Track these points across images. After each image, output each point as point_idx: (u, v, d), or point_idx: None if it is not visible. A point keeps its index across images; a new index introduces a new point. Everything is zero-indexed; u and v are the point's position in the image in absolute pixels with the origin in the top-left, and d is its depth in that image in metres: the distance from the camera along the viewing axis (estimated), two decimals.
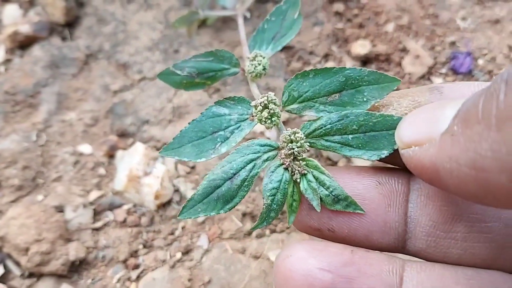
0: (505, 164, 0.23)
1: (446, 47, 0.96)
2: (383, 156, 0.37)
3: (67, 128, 0.88)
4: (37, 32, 0.99)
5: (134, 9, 1.01)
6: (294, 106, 0.41)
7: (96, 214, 0.79)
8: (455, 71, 0.92)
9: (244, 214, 0.75)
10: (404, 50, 0.93)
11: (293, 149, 0.38)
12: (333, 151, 0.38)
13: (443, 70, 0.92)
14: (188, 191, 0.78)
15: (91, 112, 0.89)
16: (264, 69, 0.48)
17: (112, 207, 0.79)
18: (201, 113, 0.41)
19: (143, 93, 0.89)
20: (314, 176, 0.38)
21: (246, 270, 0.70)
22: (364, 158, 0.37)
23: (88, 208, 0.79)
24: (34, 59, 0.95)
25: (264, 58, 0.48)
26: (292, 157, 0.38)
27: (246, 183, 0.38)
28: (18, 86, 0.91)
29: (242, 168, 0.38)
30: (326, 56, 0.90)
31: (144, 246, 0.75)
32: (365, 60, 0.90)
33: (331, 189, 0.37)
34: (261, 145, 0.39)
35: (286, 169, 0.38)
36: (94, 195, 0.80)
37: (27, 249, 0.73)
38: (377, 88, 0.38)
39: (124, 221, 0.78)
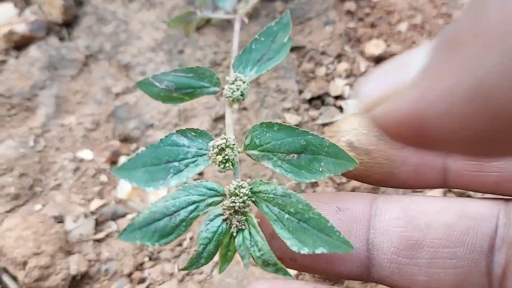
0: None
1: None
2: (302, 252, 0.35)
3: (66, 132, 0.83)
4: (34, 31, 0.94)
5: (136, 8, 0.96)
6: (255, 152, 0.40)
7: (98, 224, 0.74)
8: None
9: None
10: None
11: (235, 203, 0.38)
12: (269, 220, 0.38)
13: None
14: None
15: (92, 115, 0.84)
16: (242, 95, 0.47)
17: (115, 216, 0.75)
18: (160, 139, 0.40)
19: (146, 95, 0.84)
20: (250, 234, 0.38)
21: None
22: (287, 245, 0.36)
23: (89, 218, 0.74)
24: (31, 60, 0.90)
25: (244, 83, 0.47)
26: (233, 210, 0.38)
27: (184, 224, 0.38)
28: (14, 89, 0.86)
29: (183, 208, 0.38)
30: (339, 57, 0.86)
31: (150, 259, 0.71)
32: (379, 61, 0.86)
33: (262, 252, 0.37)
34: (208, 189, 0.39)
35: (225, 220, 0.38)
36: (95, 204, 0.76)
37: (24, 263, 0.68)
38: (334, 163, 0.37)
39: None
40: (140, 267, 0.70)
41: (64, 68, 0.90)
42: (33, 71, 0.88)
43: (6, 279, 0.69)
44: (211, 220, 0.38)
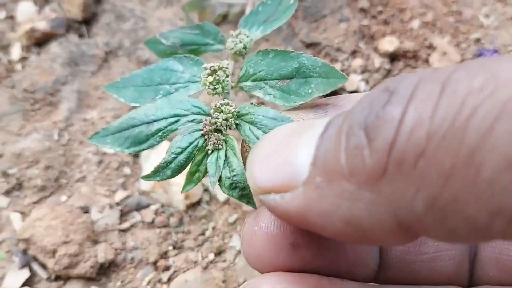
0: (384, 223, 0.21)
1: (471, 44, 0.95)
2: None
3: (89, 126, 0.85)
4: (54, 28, 0.96)
5: (153, 6, 0.98)
6: (247, 83, 0.39)
7: (123, 215, 0.77)
8: None
9: None
10: (431, 47, 0.92)
11: (218, 119, 0.36)
12: (248, 143, 0.36)
13: None
14: (218, 190, 0.76)
15: (113, 110, 0.87)
16: (244, 47, 0.45)
17: (139, 207, 0.77)
18: (157, 62, 0.40)
19: None
20: (225, 155, 0.36)
21: None
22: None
23: (114, 209, 0.77)
24: (53, 56, 0.92)
25: (247, 37, 0.45)
26: (214, 127, 0.36)
27: (160, 134, 0.36)
28: (37, 84, 0.89)
29: (163, 119, 0.36)
30: (354, 53, 0.88)
31: (174, 247, 0.73)
32: (393, 57, 0.88)
33: (234, 173, 0.35)
34: (194, 105, 0.37)
35: (203, 136, 0.36)
36: (120, 195, 0.78)
37: (54, 251, 0.70)
38: (324, 82, 0.36)
39: (152, 221, 0.76)
40: (164, 255, 0.73)
41: (84, 64, 0.93)
42: (55, 67, 0.91)
43: (36, 267, 0.72)
44: (189, 133, 0.36)
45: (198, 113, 0.37)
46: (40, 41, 0.96)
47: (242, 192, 0.35)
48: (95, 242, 0.73)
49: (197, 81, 0.40)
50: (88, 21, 0.99)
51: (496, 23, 1.00)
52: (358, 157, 0.21)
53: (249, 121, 0.37)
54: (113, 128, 0.36)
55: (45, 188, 0.78)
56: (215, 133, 0.37)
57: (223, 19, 0.94)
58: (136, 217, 0.77)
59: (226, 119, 0.37)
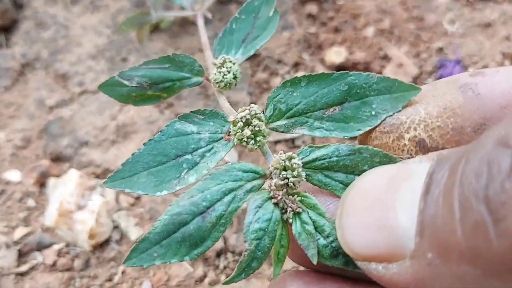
0: None
1: (432, 54, 0.85)
2: None
3: None
4: None
5: (79, 12, 0.88)
6: (281, 122, 0.33)
7: (22, 255, 0.66)
8: None
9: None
10: (386, 57, 0.82)
11: (288, 178, 0.30)
12: (331, 191, 0.31)
13: (430, 81, 0.81)
14: (130, 227, 0.66)
15: (23, 131, 0.76)
16: (235, 77, 0.40)
17: (40, 246, 0.67)
18: (160, 131, 0.33)
19: (83, 108, 0.76)
20: (310, 218, 0.30)
21: None
22: None
23: (12, 249, 0.66)
24: None
25: (234, 64, 0.40)
26: (285, 190, 0.31)
27: (222, 221, 0.30)
28: None
29: (218, 201, 0.30)
30: (296, 65, 0.78)
31: None
32: (340, 70, 0.78)
33: (331, 238, 0.30)
34: (244, 171, 0.31)
35: (276, 204, 0.30)
36: (20, 232, 0.67)
37: None
38: (389, 99, 0.32)
39: (54, 264, 0.65)
40: None
41: None
42: None
43: None
44: (259, 207, 0.30)
45: (253, 178, 0.32)
46: None
47: (347, 258, 0.29)
48: None
49: (221, 138, 0.34)
50: (7, 29, 0.89)
51: (462, 30, 0.90)
52: (481, 238, 0.18)
53: (322, 167, 0.31)
54: (156, 235, 0.29)
55: None
56: (288, 197, 0.31)
57: (154, 28, 0.83)
58: (37, 258, 0.66)
59: (298, 175, 0.31)
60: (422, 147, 0.31)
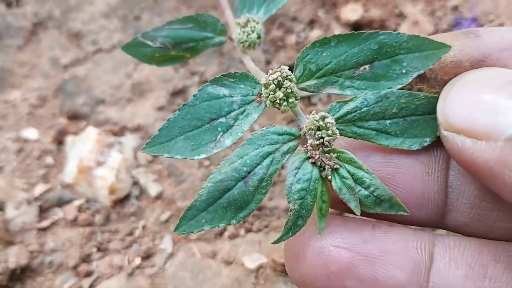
0: None
1: (447, 12, 0.84)
2: (425, 144, 0.32)
3: (10, 109, 0.75)
4: None
5: None
6: (311, 82, 0.34)
7: (43, 211, 0.67)
8: None
9: None
10: (401, 15, 0.81)
11: (323, 137, 0.31)
12: (366, 140, 0.32)
13: None
14: (149, 183, 0.67)
15: (38, 90, 0.76)
16: (258, 37, 0.40)
17: (61, 203, 0.68)
18: (193, 96, 0.33)
19: (98, 67, 0.76)
20: (349, 172, 0.31)
21: (217, 278, 0.59)
22: (404, 148, 0.32)
23: (33, 205, 0.67)
24: None
25: (258, 23, 0.40)
26: (321, 148, 0.32)
27: (264, 183, 0.31)
28: None
29: (258, 165, 0.31)
30: (312, 23, 0.77)
31: (99, 250, 0.64)
32: (356, 27, 0.77)
33: (372, 188, 0.31)
34: (279, 134, 0.32)
35: (314, 163, 0.32)
36: (40, 189, 0.68)
37: None
38: (419, 57, 0.32)
39: (75, 219, 0.66)
40: (87, 258, 0.64)
41: (10, 37, 0.81)
42: None
43: None
44: (298, 168, 0.31)
45: (289, 140, 0.33)
46: None
47: (389, 203, 0.31)
48: (10, 243, 0.64)
49: (252, 100, 0.34)
50: None
51: None
52: None
53: (354, 119, 0.32)
54: (202, 203, 0.31)
55: None
56: (325, 154, 0.32)
57: None
58: (57, 213, 0.67)
59: (333, 133, 0.32)
60: (422, 78, 0.33)
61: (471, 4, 0.85)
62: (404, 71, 0.32)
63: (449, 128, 0.28)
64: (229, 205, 0.31)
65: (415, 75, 0.32)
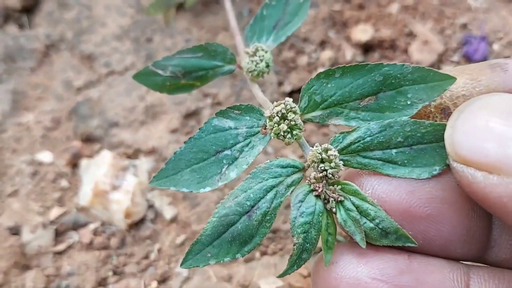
0: None
1: (457, 31, 0.84)
2: (435, 172, 0.31)
3: (23, 132, 0.75)
4: None
5: None
6: (317, 113, 0.34)
7: (58, 234, 0.68)
8: (468, 58, 0.81)
9: None
10: (411, 34, 0.82)
11: (326, 170, 0.32)
12: (372, 170, 0.32)
13: (455, 58, 0.81)
14: (164, 206, 0.67)
15: (52, 113, 0.77)
16: (267, 66, 0.41)
17: (76, 226, 0.68)
18: (199, 129, 0.34)
19: (111, 89, 0.77)
20: (353, 204, 0.31)
21: None
22: (413, 177, 0.31)
23: (48, 228, 0.68)
24: None
25: (266, 52, 0.41)
26: (324, 181, 0.32)
27: (268, 217, 0.31)
28: None
29: (261, 198, 0.32)
30: (323, 44, 0.78)
31: (115, 273, 0.64)
32: (367, 48, 0.78)
33: (377, 220, 0.31)
34: (283, 167, 0.33)
35: (317, 196, 0.32)
36: (55, 212, 0.69)
37: None
38: (424, 89, 0.32)
39: (91, 243, 0.66)
40: (103, 282, 0.64)
41: (22, 59, 0.82)
42: None
43: None
44: (301, 201, 0.31)
45: (293, 173, 0.33)
46: None
47: (395, 236, 0.31)
48: (26, 267, 0.65)
49: (258, 132, 0.34)
50: (29, 9, 0.89)
51: (486, 5, 0.89)
52: None
53: (357, 150, 0.32)
54: (208, 237, 0.31)
55: None
56: (328, 187, 0.32)
57: (178, 7, 0.83)
58: (73, 237, 0.68)
59: (336, 166, 0.31)
60: (446, 115, 0.33)
61: (480, 22, 0.85)
62: (409, 102, 0.32)
63: (458, 159, 0.27)
64: (233, 239, 0.31)
65: (420, 106, 0.32)
